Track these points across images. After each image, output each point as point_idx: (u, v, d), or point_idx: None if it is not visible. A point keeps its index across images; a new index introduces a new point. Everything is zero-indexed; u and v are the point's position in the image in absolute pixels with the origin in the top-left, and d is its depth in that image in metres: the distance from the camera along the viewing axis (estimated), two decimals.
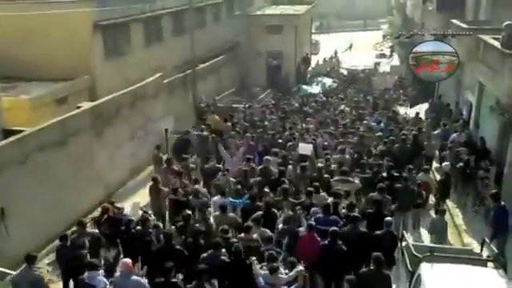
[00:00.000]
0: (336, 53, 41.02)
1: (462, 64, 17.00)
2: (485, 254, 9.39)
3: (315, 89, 29.74)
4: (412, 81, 29.17)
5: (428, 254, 8.76)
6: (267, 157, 13.47)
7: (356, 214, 9.88)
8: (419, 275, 8.31)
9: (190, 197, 11.39)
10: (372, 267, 8.08)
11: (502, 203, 11.08)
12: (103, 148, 15.15)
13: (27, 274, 8.63)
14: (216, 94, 24.12)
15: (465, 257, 8.94)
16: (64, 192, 13.25)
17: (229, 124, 17.89)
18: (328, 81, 31.78)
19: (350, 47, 45.66)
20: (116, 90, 16.47)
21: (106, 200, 13.93)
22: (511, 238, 11.03)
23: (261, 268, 8.30)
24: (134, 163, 16.69)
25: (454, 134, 15.99)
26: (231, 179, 12.40)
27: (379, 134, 16.61)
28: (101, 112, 15.13)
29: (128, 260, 8.45)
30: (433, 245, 10.41)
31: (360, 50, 45.85)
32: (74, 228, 10.52)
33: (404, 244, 9.93)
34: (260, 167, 12.91)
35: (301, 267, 8.32)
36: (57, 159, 13.07)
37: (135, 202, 12.42)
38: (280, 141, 15.46)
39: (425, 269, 8.36)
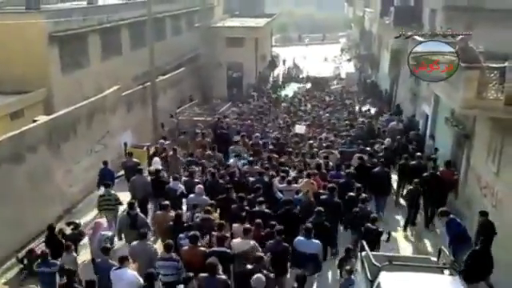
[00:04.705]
0: (295, 63, 44.27)
1: None
2: (441, 262, 9.64)
3: (288, 92, 32.81)
4: (361, 87, 34.54)
5: (387, 263, 8.94)
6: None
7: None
8: (379, 284, 8.46)
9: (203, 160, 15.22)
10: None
11: (451, 216, 11.30)
12: (61, 163, 14.75)
13: None
14: (176, 106, 23.93)
15: (422, 265, 9.17)
16: (20, 208, 12.77)
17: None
18: (297, 85, 35.44)
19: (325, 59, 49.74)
20: (73, 103, 16.12)
21: (66, 216, 13.68)
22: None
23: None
24: (93, 178, 16.31)
25: (393, 123, 20.02)
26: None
27: (346, 122, 21.87)
28: (57, 126, 14.73)
29: (201, 186, 11.89)
30: (391, 254, 10.66)
31: (319, 61, 48.09)
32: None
33: (363, 254, 10.08)
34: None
35: (306, 179, 12.85)
36: (12, 174, 12.63)
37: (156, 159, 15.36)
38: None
39: (384, 277, 8.52)
